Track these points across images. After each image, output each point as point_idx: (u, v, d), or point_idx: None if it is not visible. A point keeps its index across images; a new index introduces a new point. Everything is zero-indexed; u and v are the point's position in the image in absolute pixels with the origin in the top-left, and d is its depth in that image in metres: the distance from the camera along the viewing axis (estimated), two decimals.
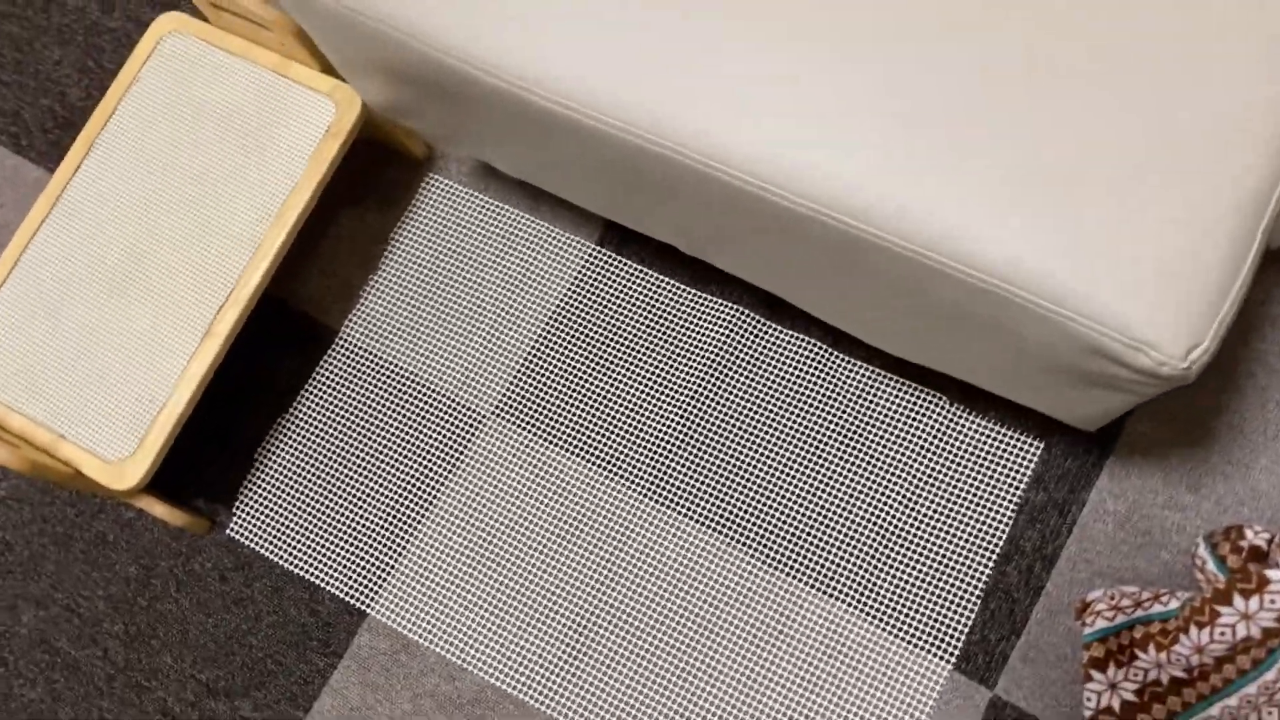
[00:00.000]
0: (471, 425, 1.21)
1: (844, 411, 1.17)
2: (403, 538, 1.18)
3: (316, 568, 1.18)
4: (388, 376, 1.24)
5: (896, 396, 1.17)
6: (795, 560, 1.13)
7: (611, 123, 0.84)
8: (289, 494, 1.21)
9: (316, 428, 1.23)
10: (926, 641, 1.10)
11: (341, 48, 0.98)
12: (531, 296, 1.24)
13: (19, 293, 1.14)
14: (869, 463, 1.15)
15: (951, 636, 1.09)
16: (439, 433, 1.21)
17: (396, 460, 1.21)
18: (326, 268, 1.28)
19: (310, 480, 1.22)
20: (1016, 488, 1.13)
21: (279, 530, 1.20)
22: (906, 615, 1.10)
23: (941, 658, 1.09)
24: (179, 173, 1.15)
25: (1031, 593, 1.10)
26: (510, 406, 1.21)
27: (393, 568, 1.18)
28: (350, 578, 1.18)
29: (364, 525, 1.19)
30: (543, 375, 1.22)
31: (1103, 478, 1.12)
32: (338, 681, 1.14)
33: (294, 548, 1.19)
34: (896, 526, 1.13)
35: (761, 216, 0.86)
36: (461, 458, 1.20)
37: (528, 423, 1.20)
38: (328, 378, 1.25)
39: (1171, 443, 1.12)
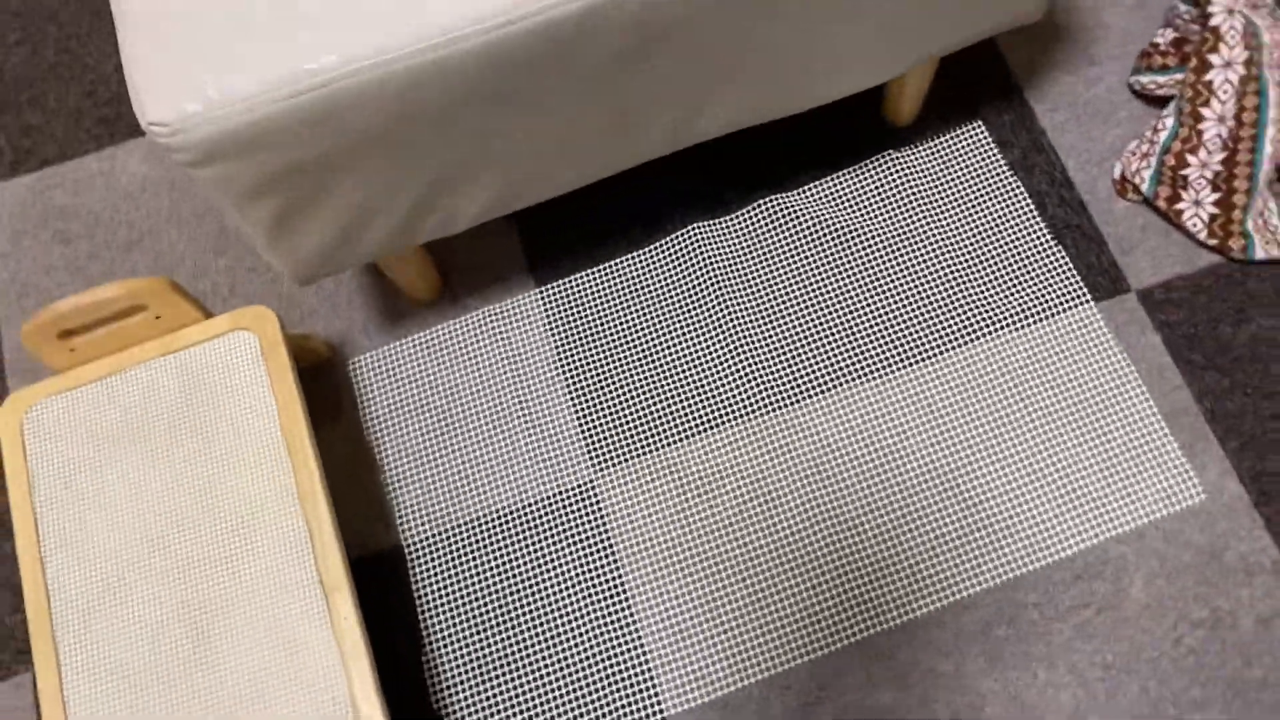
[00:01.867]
0: (587, 496, 1.12)
1: (835, 231, 1.21)
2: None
3: None
4: (472, 532, 1.12)
5: (856, 185, 1.22)
6: (914, 353, 1.15)
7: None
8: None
9: (464, 624, 1.08)
10: (1060, 306, 1.15)
11: (251, 194, 0.89)
12: (531, 367, 1.18)
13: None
14: (889, 244, 1.19)
15: (1070, 286, 1.15)
16: (569, 529, 1.11)
17: (550, 585, 1.09)
18: (340, 499, 1.14)
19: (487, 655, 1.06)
20: (998, 160, 1.22)
21: None
22: (1028, 305, 1.15)
23: (1082, 304, 1.15)
24: (168, 504, 0.99)
25: (1080, 208, 1.19)
26: (602, 455, 1.13)
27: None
28: None
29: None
30: (604, 406, 1.15)
31: (1038, 106, 1.24)
32: None
33: None
34: (958, 262, 1.18)
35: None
36: (604, 534, 1.10)
37: (632, 451, 1.13)
38: (431, 582, 1.10)
39: (1053, 44, 1.27)
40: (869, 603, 1.06)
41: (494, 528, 1.12)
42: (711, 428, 1.14)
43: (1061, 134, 1.23)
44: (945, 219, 1.20)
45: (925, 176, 1.22)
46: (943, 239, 1.19)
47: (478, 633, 1.08)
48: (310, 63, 0.77)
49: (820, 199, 1.23)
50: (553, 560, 1.10)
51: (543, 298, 1.21)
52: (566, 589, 1.09)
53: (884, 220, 1.21)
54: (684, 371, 1.16)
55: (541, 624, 1.08)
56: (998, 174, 1.22)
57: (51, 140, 1.35)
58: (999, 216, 1.20)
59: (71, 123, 1.36)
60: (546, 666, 1.06)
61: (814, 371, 1.15)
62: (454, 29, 0.78)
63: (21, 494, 1.01)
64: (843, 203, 1.22)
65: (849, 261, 1.19)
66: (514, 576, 1.10)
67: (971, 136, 1.24)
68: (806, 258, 1.20)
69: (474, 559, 1.11)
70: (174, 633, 0.95)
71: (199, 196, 1.31)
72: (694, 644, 1.06)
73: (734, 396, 1.15)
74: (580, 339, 1.19)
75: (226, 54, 0.78)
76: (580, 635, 1.07)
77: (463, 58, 0.79)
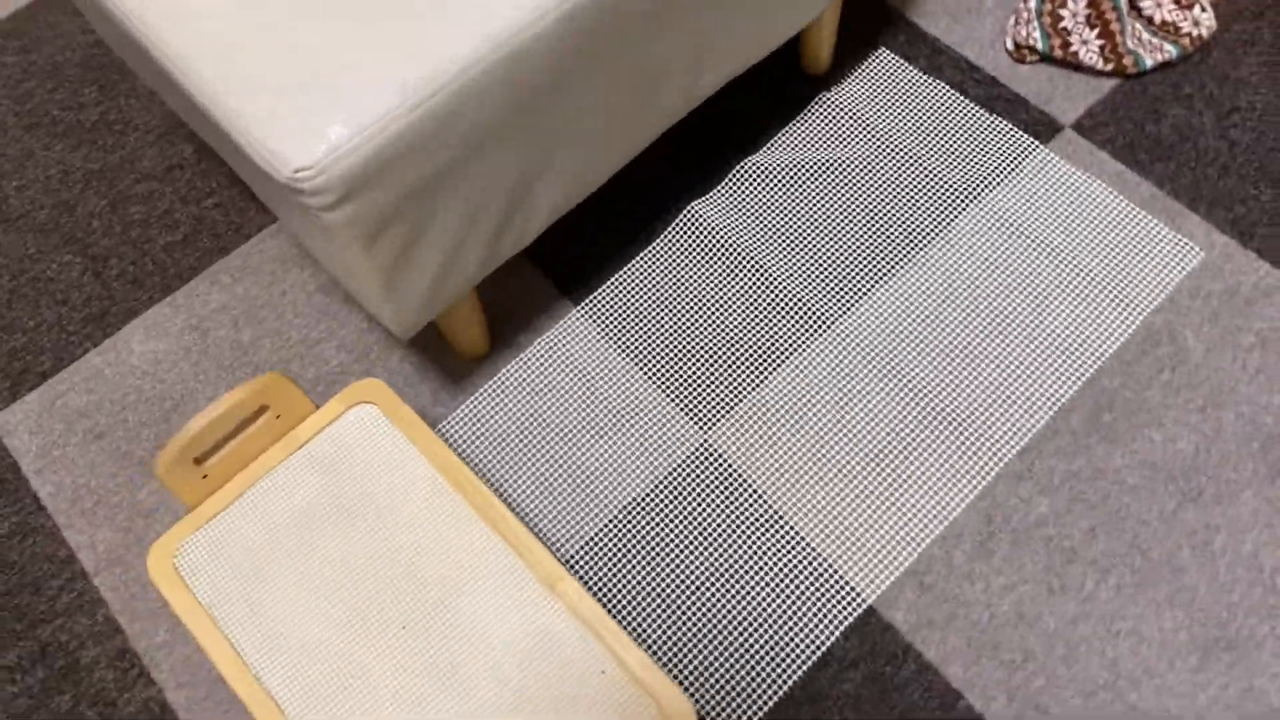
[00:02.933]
0: (709, 454, 1.18)
1: (810, 169, 1.35)
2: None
3: None
4: (618, 529, 1.16)
5: (810, 128, 1.38)
6: (924, 238, 1.29)
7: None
8: None
9: (652, 603, 1.11)
10: (1019, 158, 1.32)
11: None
12: (603, 372, 1.24)
13: None
14: (859, 167, 1.35)
15: (1019, 140, 1.33)
16: (706, 488, 1.17)
17: (710, 541, 1.14)
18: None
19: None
20: (912, 71, 1.41)
21: None
22: (995, 168, 1.32)
23: (1035, 150, 1.33)
24: (362, 581, 0.98)
25: (994, 82, 1.38)
26: (704, 417, 1.20)
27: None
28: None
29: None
30: (684, 377, 1.23)
31: (921, 22, 1.45)
32: None
33: None
34: (924, 160, 1.34)
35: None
36: (738, 478, 1.17)
37: (728, 403, 1.21)
38: (605, 583, 1.13)
39: None
40: (989, 439, 1.16)
41: (637, 517, 1.16)
42: (784, 359, 1.23)
43: (951, 35, 1.43)
44: (894, 131, 1.37)
45: (862, 103, 1.39)
46: (901, 147, 1.35)
47: (667, 604, 1.11)
48: (423, 69, 0.85)
49: (786, 147, 1.37)
50: (703, 519, 1.15)
51: (586, 312, 1.29)
52: (726, 538, 1.14)
53: (845, 148, 1.36)
54: (735, 323, 1.26)
55: (719, 577, 1.12)
56: (917, 81, 1.40)
57: (43, 353, 1.34)
58: (935, 113, 1.37)
59: (57, 332, 1.35)
60: (738, 609, 1.10)
61: (845, 286, 1.27)
62: (544, 5, 0.88)
63: (208, 632, 0.98)
64: (805, 145, 1.37)
65: (833, 191, 1.33)
66: (675, 547, 1.14)
67: (882, 61, 1.42)
68: (797, 198, 1.33)
69: (631, 549, 1.15)
70: (425, 689, 0.94)
71: (223, 344, 1.32)
72: (860, 530, 1.13)
73: (789, 328, 1.25)
74: (635, 331, 1.27)
75: (339, 85, 0.85)
76: (759, 570, 1.12)
77: (545, 36, 0.89)
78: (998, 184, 1.31)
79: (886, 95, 1.39)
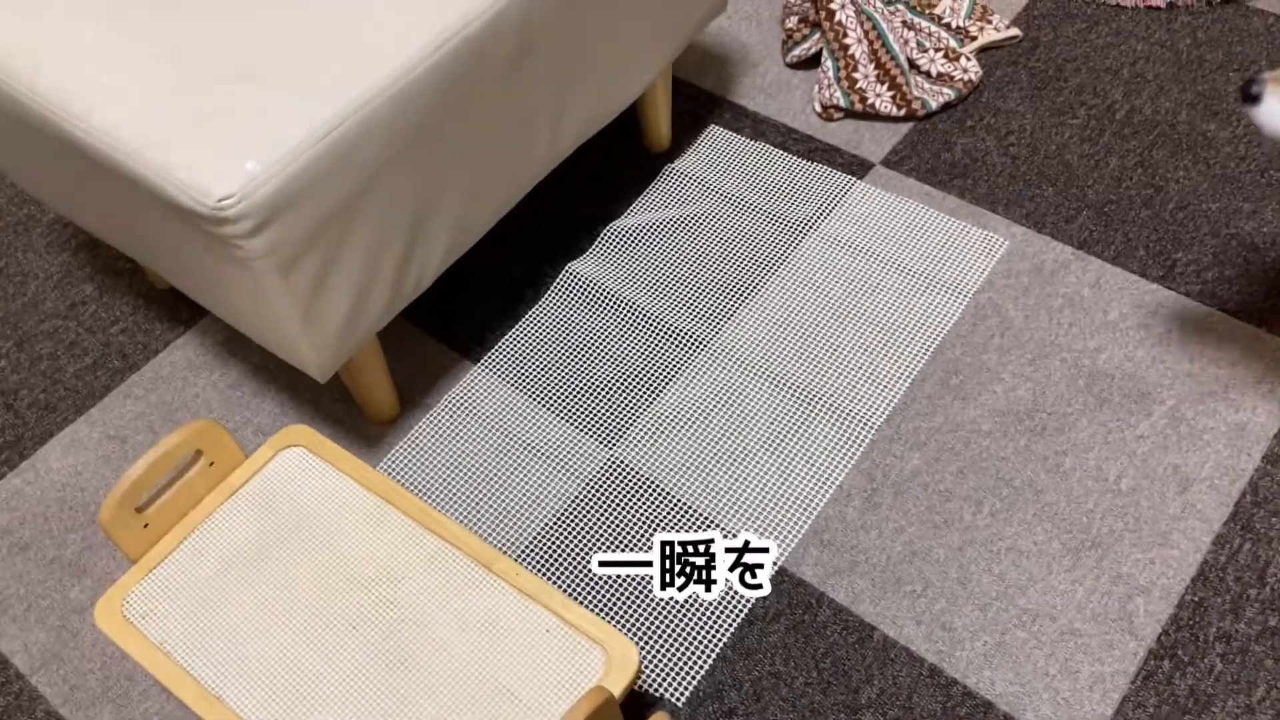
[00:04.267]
0: (618, 467, 1.29)
1: (668, 226, 1.53)
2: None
3: None
4: (548, 537, 1.24)
5: (662, 193, 1.57)
6: (771, 267, 1.47)
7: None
8: None
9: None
10: (842, 193, 1.53)
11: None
12: (512, 415, 1.35)
13: None
14: (707, 218, 1.54)
15: (839, 180, 1.55)
16: (618, 494, 1.27)
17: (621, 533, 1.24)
18: None
19: None
20: (740, 139, 1.62)
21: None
22: (823, 202, 1.52)
23: (855, 184, 1.54)
24: (309, 600, 1.04)
25: (808, 139, 1.61)
26: (609, 437, 1.32)
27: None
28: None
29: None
30: (588, 406, 1.35)
31: (741, 101, 1.68)
32: None
33: None
34: (761, 206, 1.54)
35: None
36: (644, 483, 1.28)
37: (627, 422, 1.33)
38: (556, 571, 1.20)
39: (724, 67, 1.72)
40: (859, 413, 1.31)
41: (561, 527, 1.25)
42: (671, 378, 1.37)
43: (767, 108, 1.66)
44: (733, 186, 1.57)
45: (702, 168, 1.59)
46: (742, 198, 1.55)
47: (598, 596, 1.19)
48: (324, 110, 0.99)
49: (643, 210, 1.55)
50: (620, 521, 1.25)
51: (487, 366, 1.41)
52: (643, 532, 1.24)
53: (694, 205, 1.55)
54: (623, 356, 1.40)
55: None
56: (745, 146, 1.62)
57: None
58: (765, 168, 1.58)
59: None
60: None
61: (714, 311, 1.43)
62: (440, 37, 1.04)
63: (166, 668, 1.01)
64: (659, 206, 1.55)
65: (690, 240, 1.51)
66: (597, 545, 1.23)
67: (713, 135, 1.64)
68: (660, 249, 1.50)
69: (560, 554, 1.23)
70: (380, 678, 0.99)
71: (143, 446, 1.37)
72: (761, 505, 1.24)
73: (671, 352, 1.39)
74: (536, 376, 1.39)
75: (251, 129, 0.98)
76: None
77: (425, 78, 1.05)
78: (828, 214, 1.51)
79: (722, 160, 1.60)
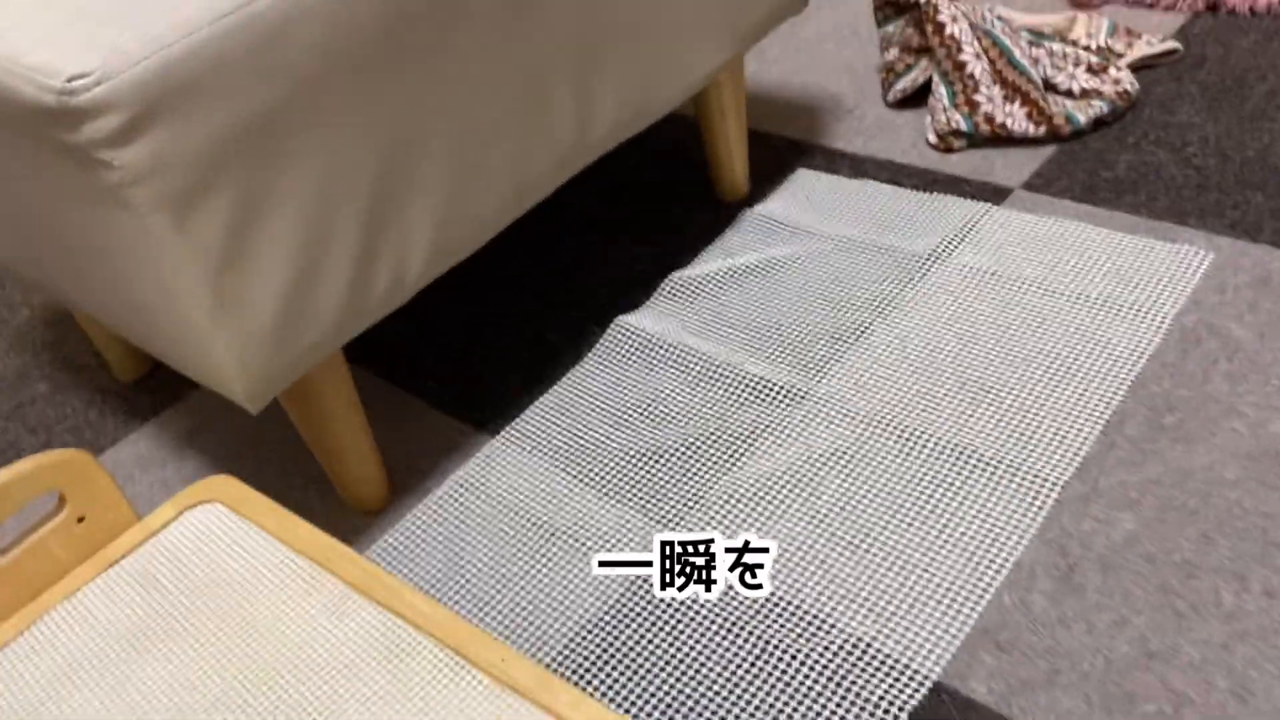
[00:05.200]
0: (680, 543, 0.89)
1: (752, 272, 1.19)
2: None
3: None
4: (582, 644, 0.83)
5: (743, 239, 1.24)
6: (898, 298, 1.11)
7: None
8: None
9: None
10: (980, 218, 1.18)
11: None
12: (539, 490, 0.98)
13: None
14: (803, 255, 1.19)
15: (974, 208, 1.20)
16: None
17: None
18: None
19: None
20: (838, 178, 1.30)
21: None
22: (959, 232, 1.17)
23: (994, 209, 1.18)
24: (214, 682, 0.65)
25: (926, 173, 1.27)
26: (658, 511, 0.93)
27: None
28: None
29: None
30: (634, 479, 0.96)
31: (836, 145, 1.37)
32: None
33: None
34: (880, 244, 1.19)
35: None
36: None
37: (682, 501, 0.94)
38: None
39: (812, 117, 1.43)
40: (1032, 468, 0.90)
41: (611, 627, 0.84)
42: (756, 439, 0.98)
43: (868, 149, 1.35)
44: (831, 223, 1.23)
45: (791, 209, 1.26)
46: (843, 235, 1.21)
47: (679, 712, 0.77)
48: None
49: (717, 256, 1.22)
50: (694, 621, 0.84)
51: (510, 438, 1.04)
52: (730, 638, 0.82)
53: (783, 247, 1.21)
54: (690, 416, 1.02)
55: (736, 680, 0.79)
56: (845, 185, 1.29)
57: None
58: (873, 203, 1.25)
59: None
60: (775, 716, 0.76)
61: (813, 358, 1.06)
62: None
63: None
64: (738, 251, 1.21)
65: (775, 284, 1.16)
66: (670, 649, 0.81)
67: (802, 177, 1.32)
68: (736, 296, 1.15)
69: (616, 657, 0.81)
70: None
71: None
72: (900, 600, 0.82)
73: (756, 408, 1.01)
74: (572, 446, 1.02)
75: (132, 7, 0.70)
76: (782, 668, 0.79)
77: None
78: (958, 245, 1.15)
79: (815, 200, 1.27)
